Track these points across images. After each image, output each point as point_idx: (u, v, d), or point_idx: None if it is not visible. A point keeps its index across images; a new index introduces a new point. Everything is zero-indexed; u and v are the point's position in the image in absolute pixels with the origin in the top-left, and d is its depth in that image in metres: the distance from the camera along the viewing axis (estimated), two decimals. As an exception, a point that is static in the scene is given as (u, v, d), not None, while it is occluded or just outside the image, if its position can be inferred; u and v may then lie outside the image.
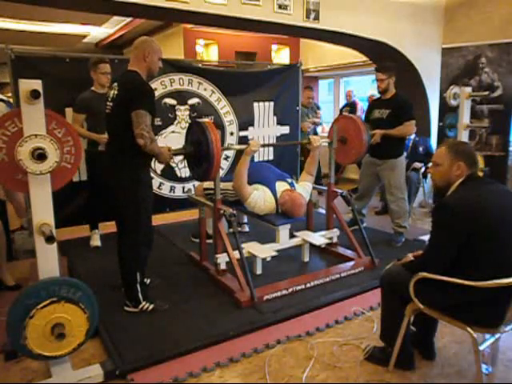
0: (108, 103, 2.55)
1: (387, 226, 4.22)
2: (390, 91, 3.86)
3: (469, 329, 1.82)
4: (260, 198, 3.15)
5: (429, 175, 4.89)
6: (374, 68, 3.97)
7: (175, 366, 2.16)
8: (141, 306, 2.65)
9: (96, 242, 3.85)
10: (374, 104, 4.11)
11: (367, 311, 2.72)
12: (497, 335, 1.94)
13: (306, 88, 5.51)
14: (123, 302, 2.67)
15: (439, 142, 4.69)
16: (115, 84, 2.55)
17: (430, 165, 2.20)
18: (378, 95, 4.12)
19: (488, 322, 1.85)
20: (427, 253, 1.93)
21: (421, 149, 4.89)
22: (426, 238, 3.84)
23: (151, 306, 2.67)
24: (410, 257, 2.09)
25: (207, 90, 4.54)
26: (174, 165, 4.47)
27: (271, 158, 5.10)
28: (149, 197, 2.65)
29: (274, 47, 8.01)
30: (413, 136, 4.96)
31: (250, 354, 2.27)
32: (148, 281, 2.96)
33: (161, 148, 2.55)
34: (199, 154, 2.80)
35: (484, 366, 2.11)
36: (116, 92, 2.49)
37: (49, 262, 1.95)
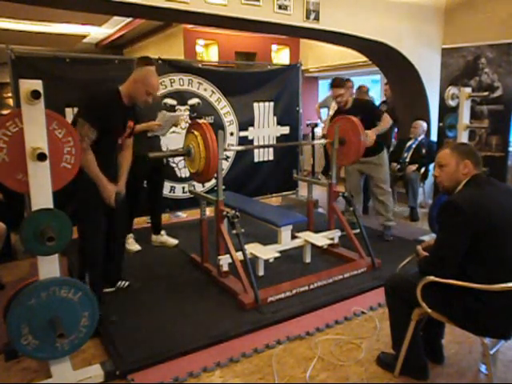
0: None
1: (373, 223, 4.29)
2: (348, 101, 3.85)
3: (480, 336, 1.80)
4: None
5: (429, 175, 4.90)
6: (330, 84, 3.87)
7: (175, 366, 2.16)
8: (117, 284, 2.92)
9: None
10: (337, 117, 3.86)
11: (367, 311, 2.72)
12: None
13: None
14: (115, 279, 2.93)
15: (439, 142, 4.69)
16: None
17: (431, 166, 2.20)
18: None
19: (501, 332, 1.80)
20: (436, 254, 1.83)
21: (423, 150, 4.89)
22: (426, 238, 3.89)
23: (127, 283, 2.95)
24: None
25: (207, 91, 4.54)
26: (173, 165, 4.47)
27: (271, 158, 5.11)
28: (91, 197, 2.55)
29: (274, 47, 8.01)
30: (420, 137, 4.96)
31: (251, 354, 2.27)
32: (126, 283, 2.97)
33: (103, 179, 2.48)
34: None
35: (483, 366, 2.12)
36: None
37: (49, 262, 1.95)
